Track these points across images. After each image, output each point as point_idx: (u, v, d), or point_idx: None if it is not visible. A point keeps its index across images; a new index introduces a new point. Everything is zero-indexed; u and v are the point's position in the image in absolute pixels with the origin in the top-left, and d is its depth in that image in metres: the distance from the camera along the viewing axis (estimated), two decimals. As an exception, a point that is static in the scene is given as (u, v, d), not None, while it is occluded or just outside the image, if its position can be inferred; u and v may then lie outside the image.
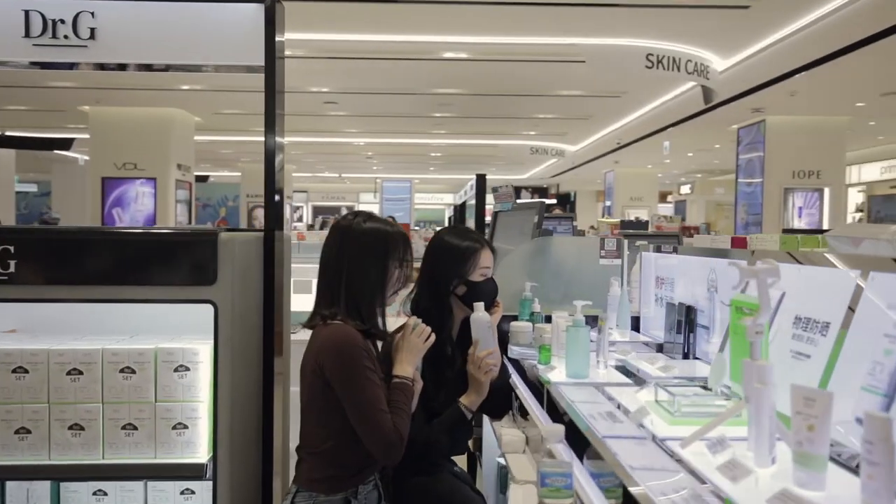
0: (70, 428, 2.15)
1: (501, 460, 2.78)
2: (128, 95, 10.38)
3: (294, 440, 2.34)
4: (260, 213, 17.79)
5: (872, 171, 16.14)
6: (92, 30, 2.41)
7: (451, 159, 18.80)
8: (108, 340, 2.21)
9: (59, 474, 2.17)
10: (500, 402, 2.53)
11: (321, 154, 17.50)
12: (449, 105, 11.08)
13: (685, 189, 21.39)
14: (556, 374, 2.05)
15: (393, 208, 18.99)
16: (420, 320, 2.21)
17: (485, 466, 2.85)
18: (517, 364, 2.53)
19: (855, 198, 16.57)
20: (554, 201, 24.31)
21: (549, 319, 2.68)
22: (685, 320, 2.35)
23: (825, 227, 12.31)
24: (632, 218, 12.26)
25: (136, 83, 9.62)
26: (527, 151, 15.01)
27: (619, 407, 1.70)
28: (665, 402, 1.64)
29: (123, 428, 2.15)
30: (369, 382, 2.01)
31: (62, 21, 2.42)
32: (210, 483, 2.16)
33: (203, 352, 2.18)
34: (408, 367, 2.15)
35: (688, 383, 1.82)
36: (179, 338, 2.27)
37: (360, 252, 2.11)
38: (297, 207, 23.46)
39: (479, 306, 2.33)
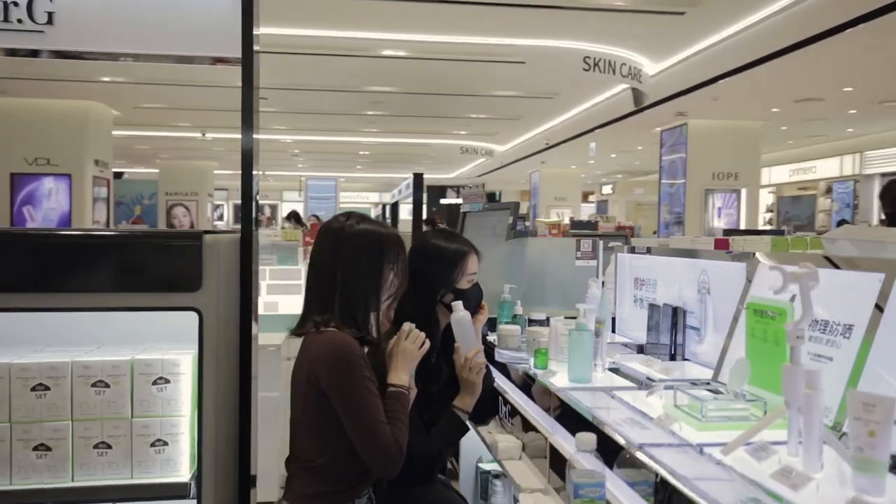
0: (35, 449, 1.95)
1: (484, 466, 2.73)
2: (39, 86, 9.76)
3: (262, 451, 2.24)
4: (180, 213, 17.14)
5: (782, 174, 17.00)
6: (49, 14, 2.21)
7: (380, 158, 18.63)
8: (75, 352, 2.03)
9: (21, 500, 1.98)
10: (486, 406, 2.48)
11: (245, 151, 16.97)
12: (382, 103, 10.97)
13: (606, 189, 21.96)
14: (558, 379, 2.01)
15: (317, 206, 18.69)
16: (414, 325, 2.14)
17: (462, 472, 2.79)
18: (503, 368, 2.48)
19: (765, 199, 17.40)
20: (479, 201, 24.48)
21: (531, 322, 2.65)
22: (672, 321, 2.37)
23: (742, 226, 12.87)
24: (565, 219, 12.49)
25: (50, 73, 9.06)
26: (457, 151, 15.05)
27: (644, 414, 1.68)
28: (689, 408, 1.63)
29: (96, 447, 1.98)
30: (368, 392, 1.93)
31: (15, 3, 2.21)
32: (193, 502, 2.01)
33: (185, 362, 2.03)
34: (403, 374, 2.08)
35: (691, 386, 1.81)
36: (154, 347, 2.11)
37: (355, 255, 2.02)
38: (218, 206, 22.77)
39: (458, 305, 2.24)
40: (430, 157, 18.01)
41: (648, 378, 2.04)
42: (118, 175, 18.58)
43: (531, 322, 2.63)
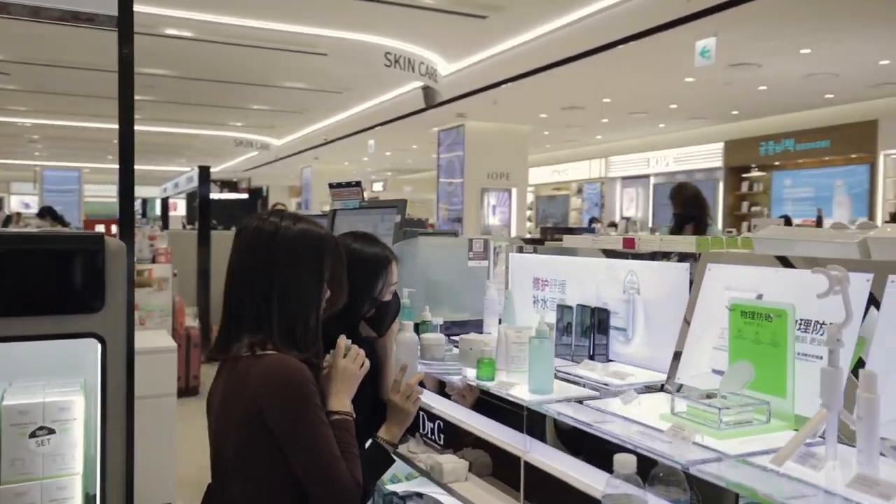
0: None
1: (390, 487, 2.51)
2: None
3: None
4: None
5: (541, 175, 18.43)
6: None
7: (138, 148, 16.80)
8: None
9: None
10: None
11: (-33, 134, 14.44)
12: (154, 87, 9.92)
13: (377, 186, 22.14)
14: (518, 392, 1.87)
15: (56, 200, 16.58)
16: (350, 341, 1.87)
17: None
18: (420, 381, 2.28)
19: (527, 198, 18.76)
20: (245, 196, 23.40)
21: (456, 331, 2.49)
22: (591, 322, 2.34)
23: (513, 224, 13.76)
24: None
25: None
26: (230, 143, 14.16)
27: (640, 423, 1.60)
28: (692, 415, 1.58)
29: (-55, 530, 1.45)
30: (322, 425, 1.64)
31: None
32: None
33: (76, 405, 1.56)
34: (346, 399, 1.80)
35: (684, 393, 1.78)
36: (27, 385, 1.60)
37: (295, 262, 1.71)
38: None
39: (409, 326, 2.07)
40: (196, 149, 16.75)
41: (602, 383, 1.98)
42: None
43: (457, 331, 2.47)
